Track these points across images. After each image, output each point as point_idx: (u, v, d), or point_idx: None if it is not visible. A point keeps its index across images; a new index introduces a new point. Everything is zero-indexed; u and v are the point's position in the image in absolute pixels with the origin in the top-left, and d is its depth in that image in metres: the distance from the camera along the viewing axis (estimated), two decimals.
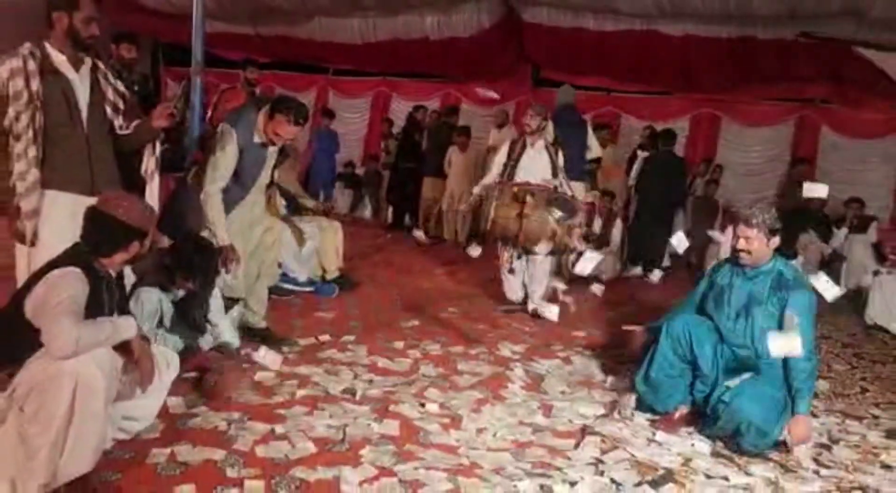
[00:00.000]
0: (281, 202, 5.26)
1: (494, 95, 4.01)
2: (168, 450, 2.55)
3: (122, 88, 3.11)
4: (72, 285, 2.18)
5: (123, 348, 2.30)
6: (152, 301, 3.05)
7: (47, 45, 2.84)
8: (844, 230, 7.52)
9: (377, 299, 5.28)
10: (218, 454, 2.56)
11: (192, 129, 5.11)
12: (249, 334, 3.92)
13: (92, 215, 2.38)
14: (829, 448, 3.16)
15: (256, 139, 3.64)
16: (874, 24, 6.88)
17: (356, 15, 9.53)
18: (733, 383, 3.09)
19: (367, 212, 10.39)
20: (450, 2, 8.84)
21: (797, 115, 9.56)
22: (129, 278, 2.85)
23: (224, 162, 3.56)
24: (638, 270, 7.33)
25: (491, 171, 5.22)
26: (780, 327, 3.07)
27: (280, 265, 4.99)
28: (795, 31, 7.50)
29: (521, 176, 4.99)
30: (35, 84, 2.76)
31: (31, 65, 2.76)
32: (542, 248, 4.89)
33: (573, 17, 8.49)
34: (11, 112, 2.75)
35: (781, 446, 3.04)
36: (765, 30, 7.72)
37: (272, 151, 3.79)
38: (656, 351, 3.32)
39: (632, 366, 3.98)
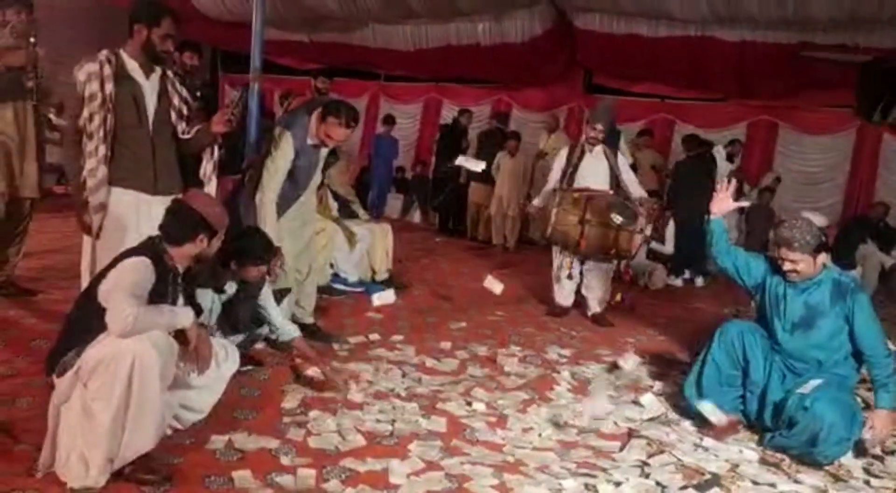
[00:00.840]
0: (333, 205, 5.39)
1: (498, 289, 4.15)
2: (226, 437, 2.66)
3: (187, 95, 3.28)
4: (139, 270, 2.33)
5: (181, 337, 2.43)
6: (206, 301, 3.19)
7: (122, 52, 3.03)
8: None
9: (426, 300, 5.37)
10: (272, 443, 2.67)
11: (250, 133, 5.27)
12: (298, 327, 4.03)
13: (173, 206, 2.57)
14: (881, 459, 3.10)
15: (309, 141, 3.77)
16: None
17: (408, 22, 9.68)
18: (806, 389, 3.02)
19: (416, 215, 10.52)
20: (502, 8, 8.91)
21: (858, 122, 9.27)
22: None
23: (280, 164, 3.69)
24: (679, 281, 7.24)
25: (550, 178, 5.23)
26: (850, 333, 3.08)
27: (332, 266, 5.13)
28: (855, 37, 7.36)
29: (580, 182, 4.99)
30: (109, 88, 2.94)
31: (107, 70, 2.94)
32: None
33: (626, 23, 8.46)
34: (86, 112, 2.95)
35: None
36: (824, 35, 7.56)
37: (324, 153, 3.91)
38: (707, 356, 3.32)
39: (679, 373, 3.98)
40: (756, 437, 3.23)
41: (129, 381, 2.18)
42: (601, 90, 10.25)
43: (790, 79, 8.44)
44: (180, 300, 2.58)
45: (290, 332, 3.42)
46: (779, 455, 3.04)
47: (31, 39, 4.11)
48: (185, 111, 3.22)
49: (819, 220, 5.48)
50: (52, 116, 5.56)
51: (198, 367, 2.52)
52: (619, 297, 5.43)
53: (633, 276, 6.71)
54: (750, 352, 3.25)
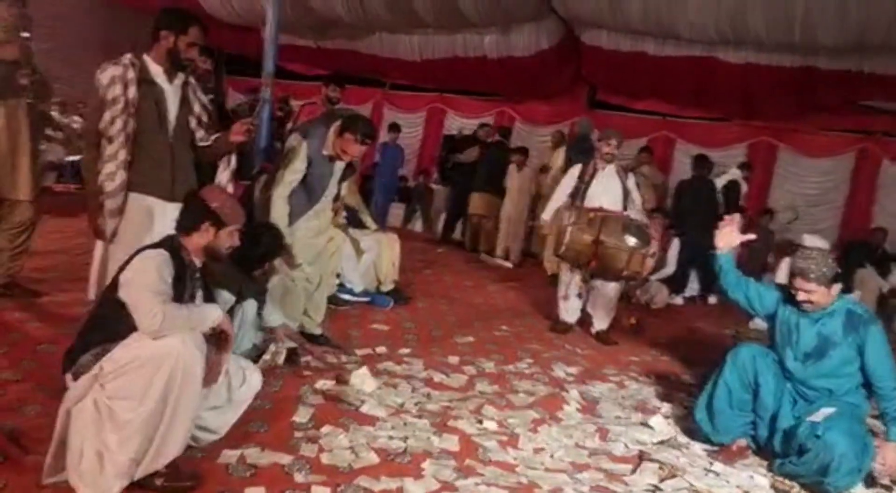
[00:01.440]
0: (341, 212, 5.37)
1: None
2: (238, 452, 2.62)
3: (207, 102, 3.26)
4: (159, 264, 2.31)
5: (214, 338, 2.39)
6: (252, 312, 3.20)
7: (146, 57, 3.02)
8: None
9: (431, 313, 5.33)
10: (285, 459, 2.63)
11: (259, 139, 5.26)
12: (305, 338, 4.00)
13: (186, 198, 2.60)
14: (889, 490, 3.09)
15: (324, 152, 3.78)
16: None
17: (416, 31, 9.70)
18: (817, 417, 3.00)
19: (418, 225, 10.50)
20: (509, 22, 8.95)
21: (858, 147, 9.36)
22: (229, 301, 2.99)
23: (292, 169, 3.70)
24: (680, 300, 7.25)
25: (556, 194, 5.22)
26: (861, 365, 3.07)
27: (338, 275, 5.10)
28: (861, 62, 7.43)
29: (592, 200, 4.98)
30: (132, 92, 2.93)
31: (131, 74, 2.93)
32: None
33: (633, 40, 8.51)
34: (108, 116, 2.93)
35: None
36: (829, 60, 7.63)
37: (340, 166, 3.90)
38: (719, 378, 3.32)
39: (685, 395, 3.97)
40: (766, 462, 3.22)
41: (168, 382, 2.14)
42: (604, 106, 10.32)
43: (793, 102, 8.51)
44: (199, 297, 2.55)
45: (276, 319, 3.48)
46: (789, 482, 3.03)
47: (24, 34, 4.03)
48: (204, 118, 3.22)
49: (820, 243, 5.52)
50: (55, 113, 5.49)
51: (204, 378, 2.37)
52: (633, 320, 5.43)
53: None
54: (761, 376, 3.24)
